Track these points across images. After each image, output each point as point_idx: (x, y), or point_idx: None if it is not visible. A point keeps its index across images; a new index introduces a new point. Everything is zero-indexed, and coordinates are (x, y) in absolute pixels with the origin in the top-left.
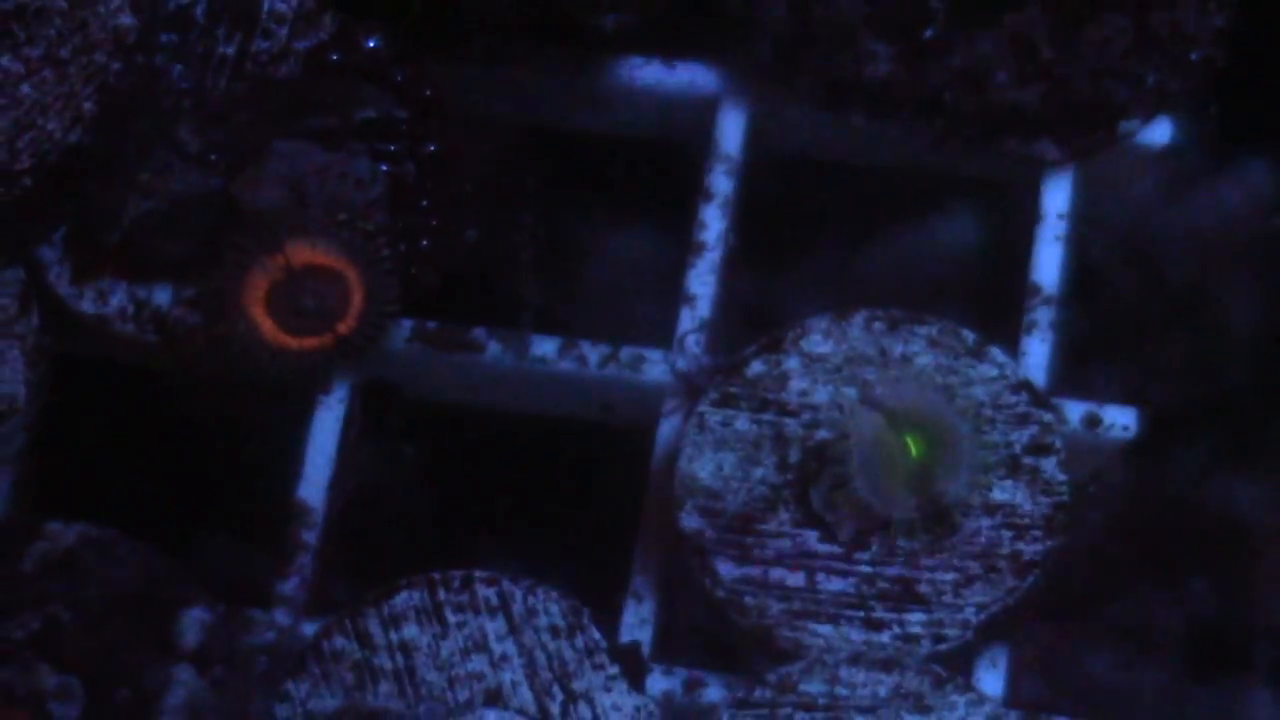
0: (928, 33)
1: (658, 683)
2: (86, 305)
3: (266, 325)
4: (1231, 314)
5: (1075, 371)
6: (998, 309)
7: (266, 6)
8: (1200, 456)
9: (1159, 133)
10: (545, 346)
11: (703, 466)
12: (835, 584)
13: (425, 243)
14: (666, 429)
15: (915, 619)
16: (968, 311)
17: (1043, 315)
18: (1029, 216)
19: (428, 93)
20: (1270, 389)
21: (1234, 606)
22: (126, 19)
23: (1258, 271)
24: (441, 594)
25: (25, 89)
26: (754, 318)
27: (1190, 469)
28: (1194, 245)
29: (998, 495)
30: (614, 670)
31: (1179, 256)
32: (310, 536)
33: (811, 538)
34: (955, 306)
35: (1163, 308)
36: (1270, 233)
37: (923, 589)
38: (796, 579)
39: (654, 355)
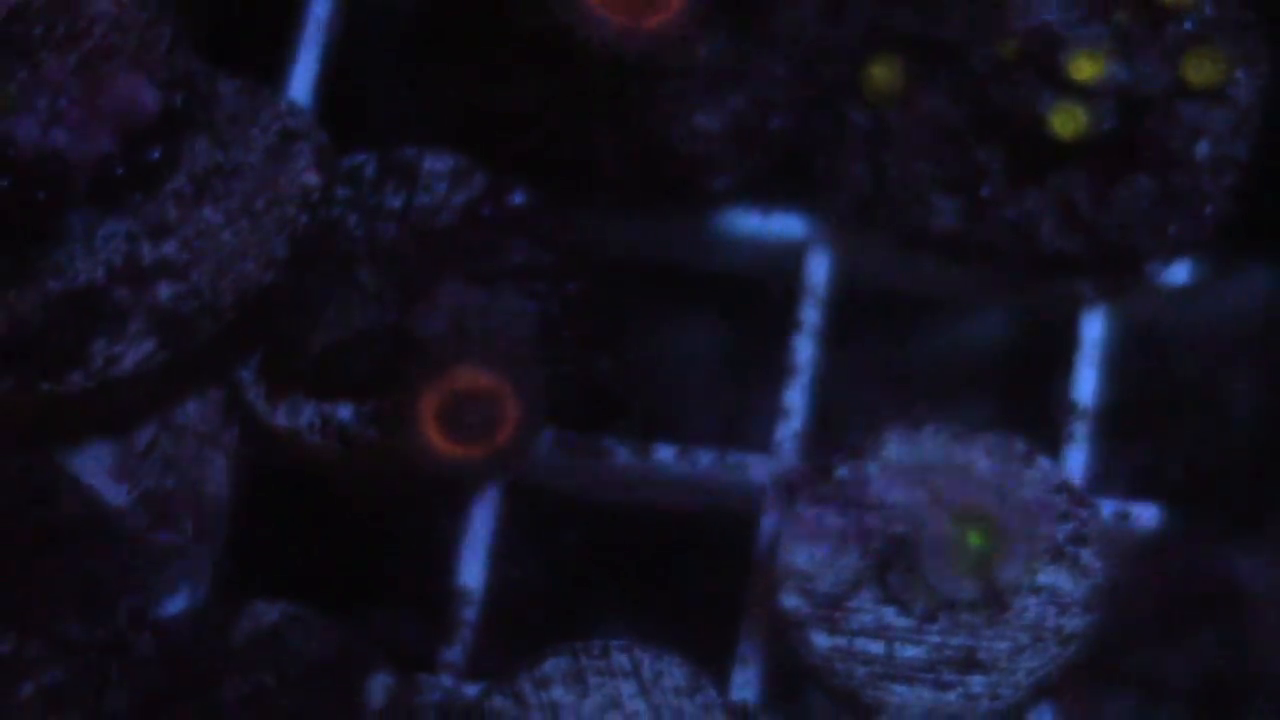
0: (984, 191)
1: None
2: (280, 420)
3: (434, 438)
4: (1236, 402)
5: (1103, 459)
6: (1036, 408)
7: (426, 166)
8: (1210, 529)
9: (1179, 274)
10: (664, 452)
11: (798, 554)
12: (910, 652)
13: (568, 367)
14: (767, 522)
15: (976, 681)
16: (1012, 410)
17: (1079, 428)
18: (1068, 342)
19: (567, 240)
20: (1272, 469)
21: (1236, 660)
22: (310, 177)
23: (1260, 364)
24: (583, 660)
25: (226, 236)
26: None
27: (1201, 540)
28: (1203, 342)
29: (1043, 579)
30: None
31: (1190, 352)
32: (469, 613)
33: (890, 613)
34: (1001, 405)
35: (1175, 397)
36: (1271, 330)
37: (982, 656)
38: (877, 648)
39: (756, 459)
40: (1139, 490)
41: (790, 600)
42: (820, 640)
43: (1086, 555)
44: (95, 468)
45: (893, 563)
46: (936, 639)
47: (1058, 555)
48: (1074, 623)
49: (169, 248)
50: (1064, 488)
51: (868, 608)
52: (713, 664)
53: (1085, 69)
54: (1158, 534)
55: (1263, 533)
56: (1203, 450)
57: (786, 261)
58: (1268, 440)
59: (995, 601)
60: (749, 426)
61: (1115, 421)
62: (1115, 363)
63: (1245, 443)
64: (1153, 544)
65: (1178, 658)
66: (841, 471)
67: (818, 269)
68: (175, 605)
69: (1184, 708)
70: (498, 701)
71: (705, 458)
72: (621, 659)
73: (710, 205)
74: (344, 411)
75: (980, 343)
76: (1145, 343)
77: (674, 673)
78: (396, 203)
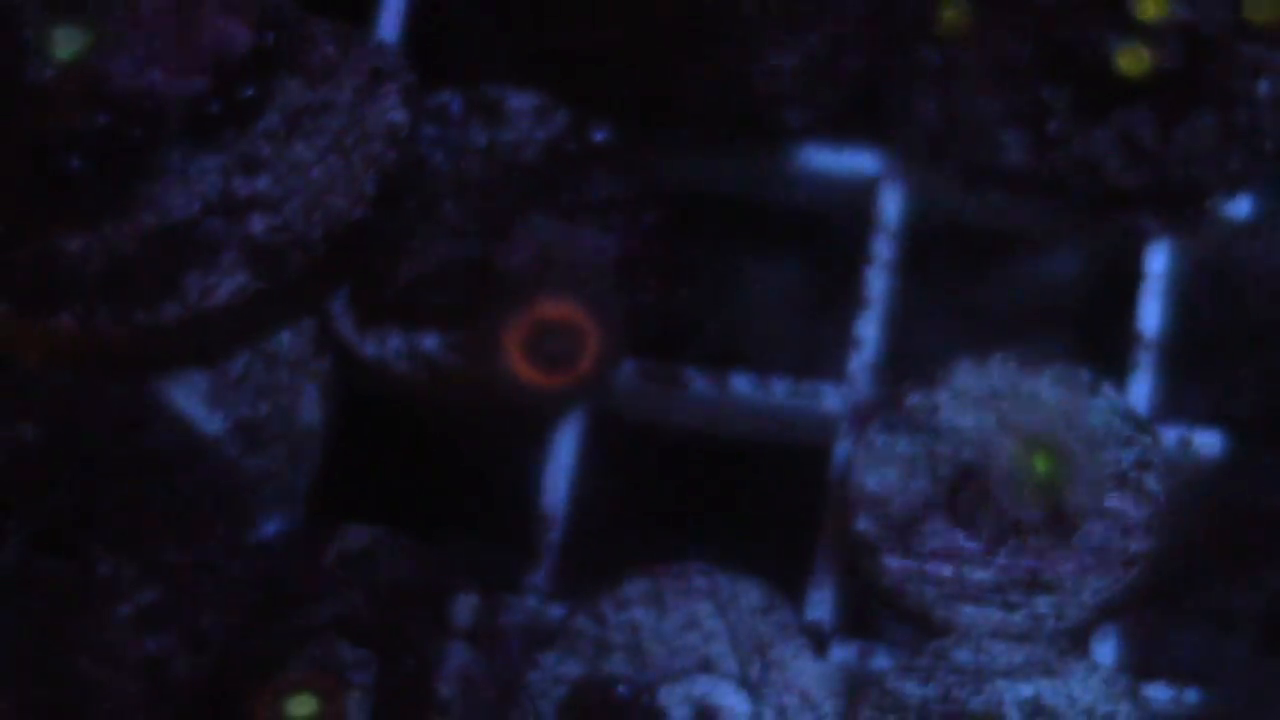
0: (1051, 128)
1: (838, 652)
2: (369, 349)
3: (518, 365)
4: None
5: (1170, 391)
6: (1103, 342)
7: (509, 104)
8: (1276, 461)
9: (1241, 208)
10: (740, 381)
11: (871, 479)
12: (978, 574)
13: (647, 298)
14: (841, 449)
15: (1043, 602)
16: (1080, 344)
17: (1144, 358)
18: (1132, 274)
19: (647, 174)
20: None
21: None
22: (397, 115)
23: None
24: (662, 581)
25: (316, 172)
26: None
27: (1268, 474)
28: (1272, 281)
29: (1108, 503)
30: (803, 642)
31: (1259, 290)
32: (553, 536)
33: (959, 537)
34: (1069, 339)
35: (1244, 334)
36: None
37: (1048, 578)
38: (947, 570)
39: (829, 388)
40: (1204, 420)
41: (863, 524)
42: (892, 562)
43: (1150, 480)
44: (190, 396)
45: (962, 487)
46: (1004, 561)
47: (1122, 480)
48: (1138, 545)
49: (261, 182)
50: (1128, 415)
51: (938, 531)
52: (788, 587)
53: (1150, 9)
54: (1222, 465)
55: None
56: (1269, 385)
57: (859, 196)
58: None
59: (1061, 525)
60: (823, 358)
61: (1182, 354)
62: (1183, 297)
63: None
64: (1218, 476)
65: (1244, 589)
66: (912, 399)
67: (889, 203)
68: (268, 529)
69: (1251, 638)
70: (580, 621)
71: (780, 386)
72: (699, 580)
73: (786, 141)
74: (430, 341)
75: (1048, 275)
76: (1214, 278)
77: (750, 593)
78: (481, 140)
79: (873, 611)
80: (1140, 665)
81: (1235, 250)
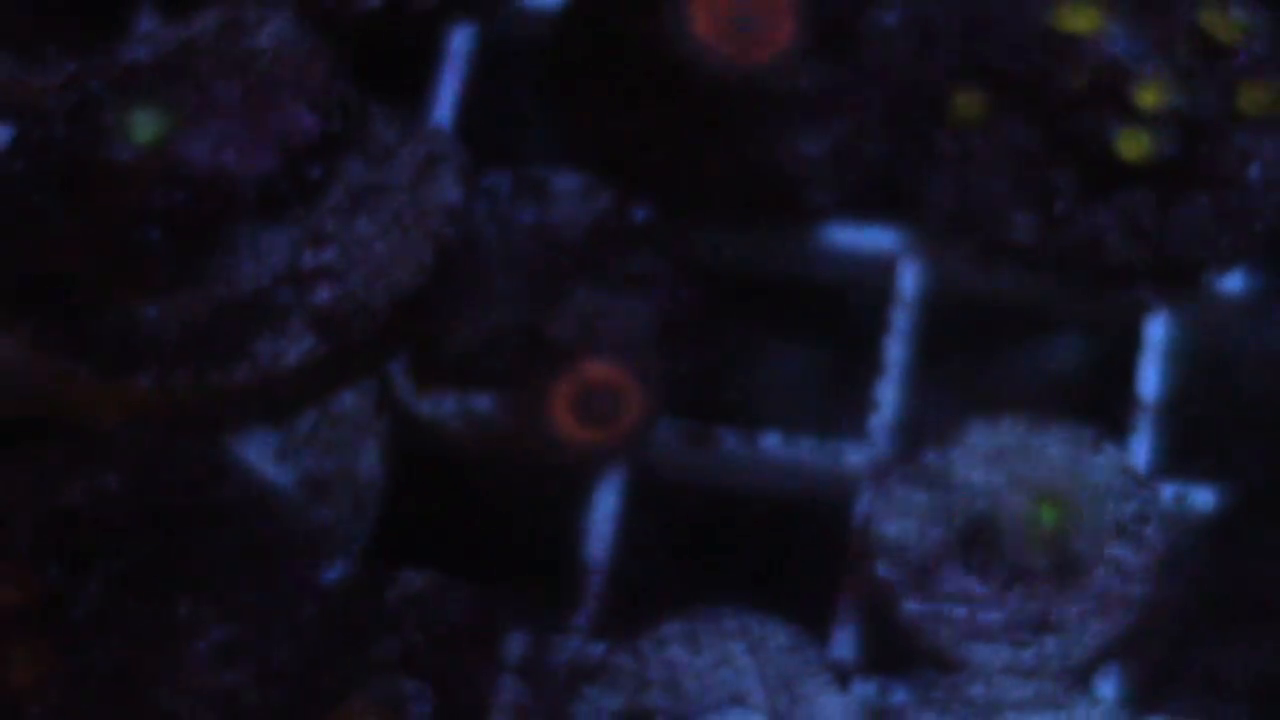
0: (1057, 208)
1: (860, 687)
2: (426, 409)
3: (565, 424)
4: None
5: (1172, 458)
6: (1106, 405)
7: (556, 184)
8: (1272, 533)
9: (1233, 283)
10: (769, 439)
11: (891, 529)
12: (990, 616)
13: (683, 363)
14: (862, 501)
15: (1050, 641)
16: (1084, 406)
17: (1144, 420)
18: (1132, 345)
19: (683, 250)
20: None
21: None
22: (453, 194)
23: None
24: (697, 623)
25: (379, 245)
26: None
27: (1264, 543)
28: (1266, 362)
29: (1110, 551)
30: (827, 678)
31: (1250, 364)
32: (596, 582)
33: (972, 582)
34: (1074, 402)
35: (1239, 413)
36: None
37: (1054, 619)
38: (961, 611)
39: (851, 446)
40: (1200, 478)
41: (884, 569)
42: (911, 605)
43: (1149, 531)
44: (261, 451)
45: (975, 537)
46: (1014, 604)
47: (1122, 531)
48: (1137, 590)
49: (328, 255)
50: (1129, 471)
51: (952, 576)
52: (814, 628)
53: (1149, 98)
54: (1216, 525)
55: None
56: (1262, 459)
57: (879, 271)
58: None
59: (1067, 571)
60: (842, 419)
61: (1179, 417)
62: (1180, 364)
63: None
64: (1212, 540)
65: (1237, 657)
66: (929, 456)
67: (907, 278)
68: (332, 573)
69: (1243, 706)
70: (621, 659)
71: (806, 444)
72: (731, 622)
73: (812, 220)
74: (483, 402)
75: (1055, 343)
76: (1210, 349)
77: (779, 634)
78: (530, 217)
79: (892, 650)
80: (1141, 701)
81: (1229, 325)
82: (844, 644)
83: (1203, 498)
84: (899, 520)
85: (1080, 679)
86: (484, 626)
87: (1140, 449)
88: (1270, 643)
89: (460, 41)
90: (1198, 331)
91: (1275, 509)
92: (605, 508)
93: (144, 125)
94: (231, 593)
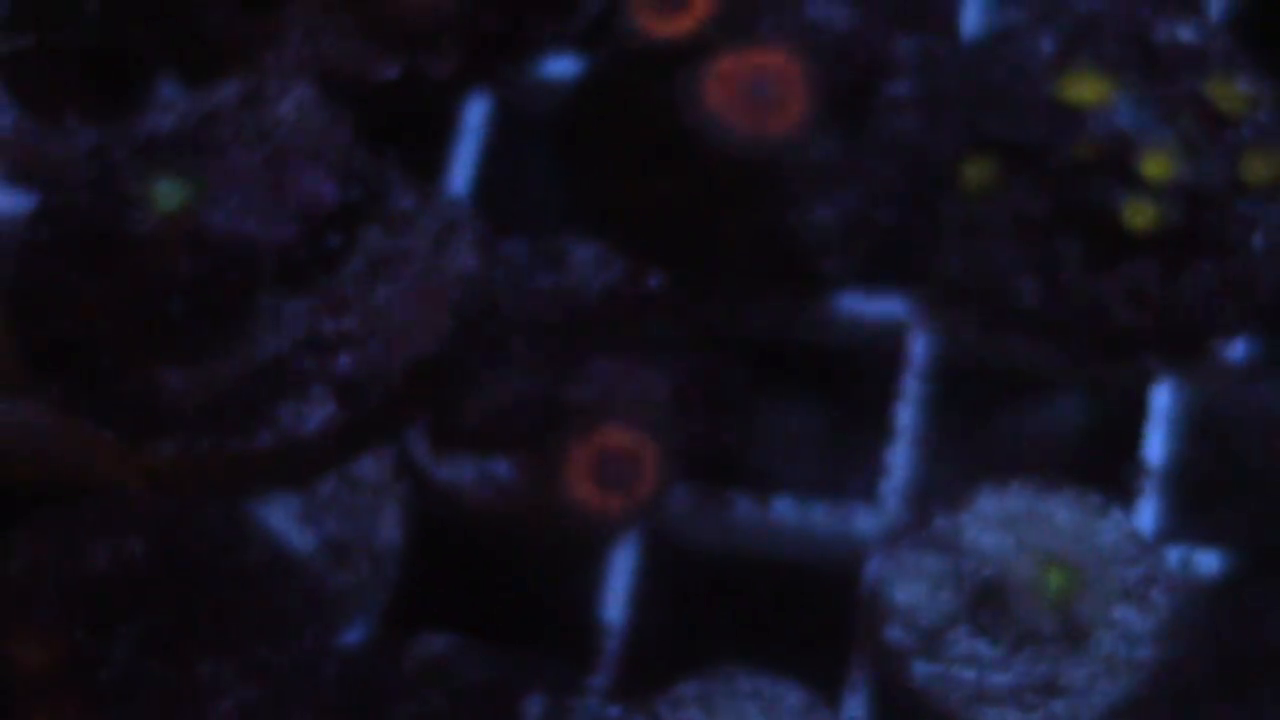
0: (1063, 276)
1: None
2: (444, 475)
3: (582, 490)
4: None
5: (1174, 517)
6: (1110, 472)
7: (572, 253)
8: (1270, 592)
9: (1237, 351)
10: (781, 504)
11: (901, 592)
12: (999, 678)
13: (697, 430)
14: (873, 565)
15: (1057, 705)
16: (1090, 473)
17: (1149, 484)
18: (1137, 410)
19: (697, 317)
20: None
21: None
22: (471, 261)
23: None
24: (712, 685)
25: (397, 313)
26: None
27: (1265, 609)
28: (1269, 427)
29: (1117, 615)
30: None
31: (1253, 434)
32: (612, 645)
33: (981, 645)
34: (1081, 468)
35: (1238, 477)
36: None
37: (1062, 683)
38: (970, 674)
39: (862, 511)
40: (1205, 542)
41: (894, 633)
42: (921, 668)
43: (1154, 594)
44: (282, 516)
45: (984, 601)
46: (1022, 667)
47: (1129, 594)
48: (1144, 653)
49: (348, 322)
50: (1135, 536)
51: (962, 639)
52: (826, 692)
53: (1154, 168)
54: (1220, 592)
55: None
56: (1264, 522)
57: (888, 338)
58: None
59: (1074, 635)
60: (855, 484)
61: (1185, 484)
62: (1186, 432)
63: None
64: (1216, 609)
65: (1238, 716)
66: (938, 521)
67: (916, 345)
68: (352, 636)
69: None
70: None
71: (818, 509)
72: (745, 684)
73: (822, 288)
74: (501, 467)
75: (1062, 410)
76: (1214, 417)
77: (791, 696)
78: (547, 284)
79: (902, 714)
80: None
81: (1232, 393)
82: (855, 707)
83: (1208, 561)
84: (909, 584)
85: None
86: (502, 688)
87: (1146, 514)
88: (1271, 702)
89: (477, 112)
90: (1202, 397)
91: (1275, 579)
92: (621, 572)
93: (167, 195)
94: (252, 655)
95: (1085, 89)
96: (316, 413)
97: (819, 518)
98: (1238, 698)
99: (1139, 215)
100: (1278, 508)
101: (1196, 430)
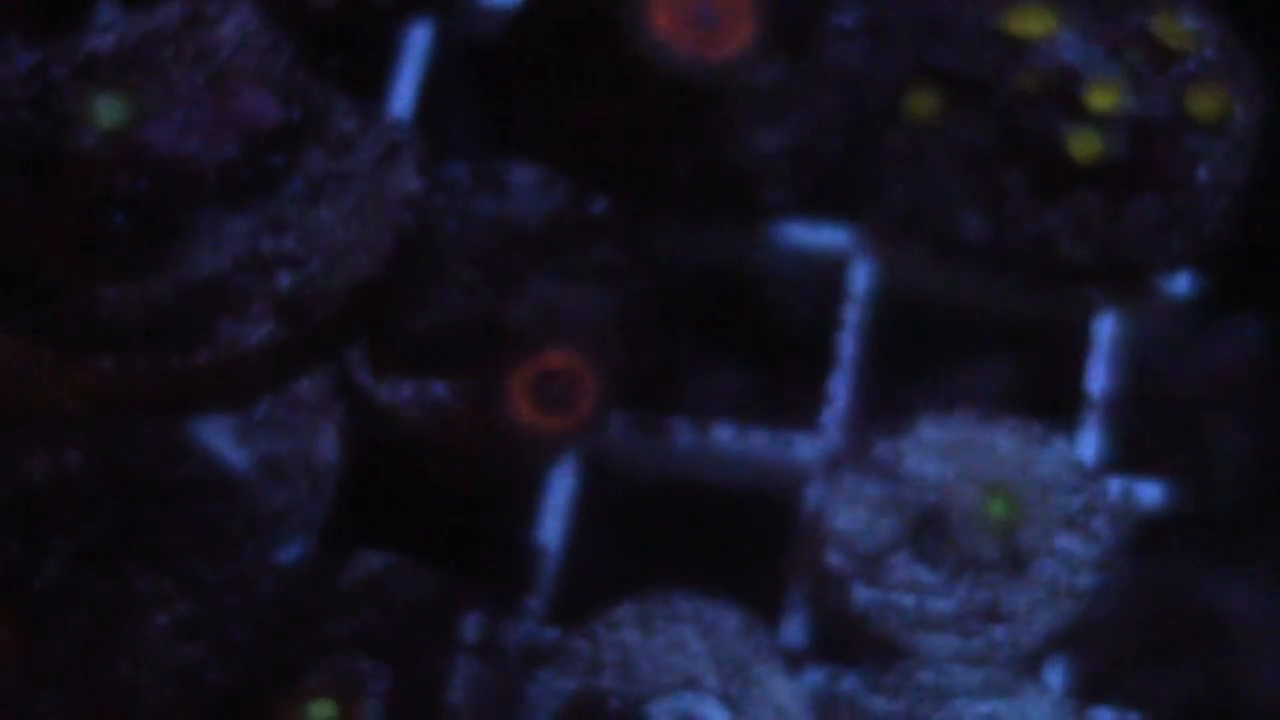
0: (1008, 208)
1: (810, 675)
2: (383, 395)
3: (522, 411)
4: (1222, 441)
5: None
6: (1052, 404)
7: (514, 177)
8: (1194, 558)
9: (1181, 284)
10: (721, 431)
11: (841, 519)
12: (940, 605)
13: (638, 354)
14: (813, 491)
15: (998, 631)
16: (1033, 403)
17: (1091, 415)
18: (1080, 343)
19: (640, 243)
20: (1252, 507)
21: (1221, 684)
22: (412, 183)
23: (1241, 414)
24: (650, 606)
25: (337, 234)
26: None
27: (1185, 568)
28: (1193, 387)
29: (1059, 543)
30: (779, 662)
31: (1181, 395)
32: (548, 568)
33: (922, 571)
34: (1024, 399)
35: (1163, 439)
36: (1255, 377)
37: (1003, 610)
38: (910, 600)
39: (803, 438)
40: (1145, 473)
41: (834, 558)
42: (860, 593)
43: (1096, 523)
44: (220, 434)
45: (925, 528)
46: (963, 593)
47: (1070, 523)
48: (1084, 581)
49: (288, 241)
50: (1077, 465)
51: (902, 566)
52: (764, 616)
53: (1101, 100)
54: (1143, 548)
55: (1246, 565)
56: (1192, 486)
57: (832, 268)
58: (1253, 480)
59: (1015, 562)
60: (795, 412)
61: (1127, 415)
62: (1128, 364)
63: (1231, 481)
64: (1140, 560)
65: (1168, 680)
66: (880, 449)
67: (859, 275)
68: (289, 554)
69: None
70: (574, 642)
71: (758, 436)
72: (684, 606)
73: (765, 217)
74: (440, 388)
75: (1004, 342)
76: (1155, 355)
77: (730, 619)
78: (489, 208)
79: (841, 638)
80: (1087, 691)
81: (1176, 326)
82: (794, 632)
83: (1149, 492)
84: (849, 510)
85: (1029, 667)
86: (440, 608)
87: (1088, 444)
88: (1199, 666)
89: (419, 37)
90: (1145, 331)
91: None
92: (559, 494)
93: (107, 112)
94: (190, 570)
95: (1031, 22)
96: (256, 331)
97: (759, 444)
98: (1166, 660)
99: (1084, 146)
100: (1214, 442)
101: (1138, 362)
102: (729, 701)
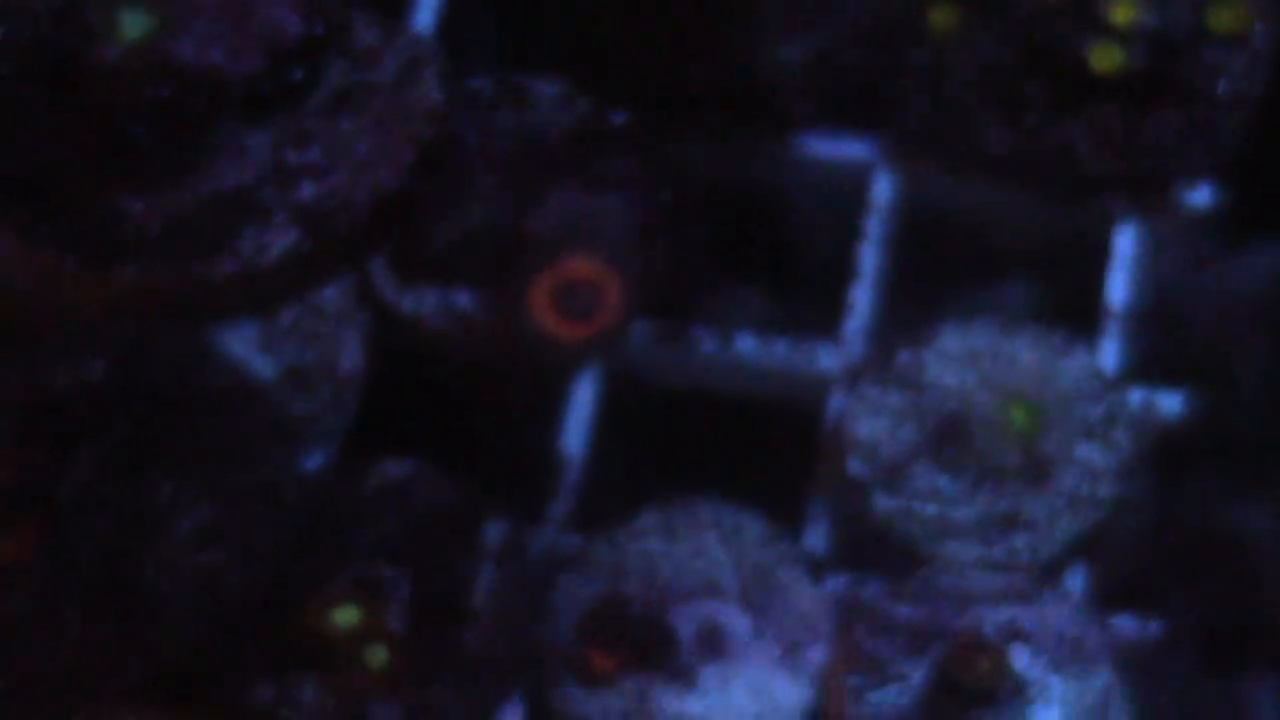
0: (1029, 120)
1: (832, 582)
2: (407, 305)
3: (544, 319)
4: (1242, 360)
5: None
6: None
7: (536, 91)
8: (1213, 485)
9: (1201, 196)
10: (744, 341)
11: (864, 427)
12: (962, 512)
13: (660, 264)
14: (835, 401)
15: (1020, 539)
16: (1055, 312)
17: (1113, 325)
18: (1101, 258)
19: (662, 155)
20: (1270, 433)
21: (1239, 608)
22: (435, 96)
23: (1265, 333)
24: (673, 515)
25: (360, 146)
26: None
27: (1204, 495)
28: (1215, 305)
29: (1079, 453)
30: (801, 570)
31: (1202, 313)
32: (571, 477)
33: (944, 480)
34: (1046, 309)
35: (1184, 355)
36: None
37: (1024, 517)
38: (932, 509)
39: (825, 348)
40: (1167, 384)
41: (856, 466)
42: (882, 501)
43: (1116, 433)
44: (244, 343)
45: (946, 436)
46: (984, 502)
47: (1091, 432)
48: (1105, 490)
49: (311, 154)
50: (1098, 375)
51: (924, 474)
52: (787, 523)
53: (1122, 14)
54: (1163, 474)
55: (1264, 491)
56: (1212, 404)
57: (855, 180)
58: (1274, 399)
59: (1036, 471)
60: (818, 322)
61: (1148, 325)
62: (1149, 274)
63: (1251, 405)
64: (1159, 486)
65: (1189, 600)
66: (902, 358)
67: (882, 187)
68: (313, 462)
69: (1195, 643)
70: (598, 549)
71: (780, 346)
72: (707, 514)
73: (788, 129)
74: (463, 298)
75: (1028, 252)
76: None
77: (753, 527)
78: (510, 122)
79: (863, 546)
80: (1107, 597)
81: (1197, 238)
82: (816, 540)
83: (1169, 403)
84: (871, 420)
85: (1050, 574)
86: (462, 516)
87: (1109, 354)
88: (1218, 587)
89: None
90: (1166, 246)
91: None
92: (582, 404)
93: (131, 24)
94: (213, 477)
95: None
96: (279, 240)
97: (780, 353)
98: (1185, 574)
99: (1105, 59)
100: (1235, 361)
101: (1159, 277)
102: (751, 608)
